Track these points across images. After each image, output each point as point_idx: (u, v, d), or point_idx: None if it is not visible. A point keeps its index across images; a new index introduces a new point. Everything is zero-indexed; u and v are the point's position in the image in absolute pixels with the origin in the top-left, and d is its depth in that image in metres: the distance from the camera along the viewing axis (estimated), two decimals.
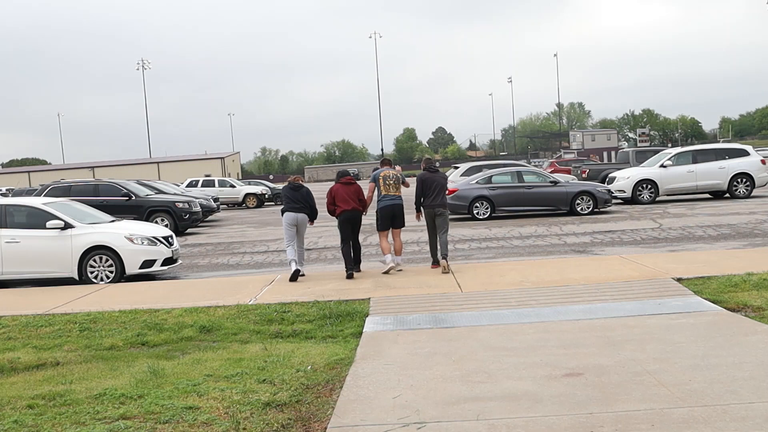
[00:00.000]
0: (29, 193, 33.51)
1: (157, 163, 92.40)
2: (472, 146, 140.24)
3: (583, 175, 29.37)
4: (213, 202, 26.91)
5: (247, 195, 36.89)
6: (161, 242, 12.27)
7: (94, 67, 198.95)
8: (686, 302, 7.89)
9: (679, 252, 12.11)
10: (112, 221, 13.11)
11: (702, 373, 5.32)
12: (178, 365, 6.53)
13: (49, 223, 11.82)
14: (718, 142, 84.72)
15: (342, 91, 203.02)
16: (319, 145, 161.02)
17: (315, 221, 11.64)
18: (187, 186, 34.53)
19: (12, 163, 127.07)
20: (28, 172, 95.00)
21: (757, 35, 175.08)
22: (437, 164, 15.49)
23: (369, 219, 13.70)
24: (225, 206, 34.83)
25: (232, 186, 37.59)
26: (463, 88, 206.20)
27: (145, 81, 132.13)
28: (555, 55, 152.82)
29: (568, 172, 34.81)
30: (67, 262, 11.80)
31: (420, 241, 15.35)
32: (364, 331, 7.50)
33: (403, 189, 11.40)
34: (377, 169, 11.58)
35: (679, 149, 24.88)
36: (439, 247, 11.12)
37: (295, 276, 10.74)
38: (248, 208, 36.31)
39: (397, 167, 12.05)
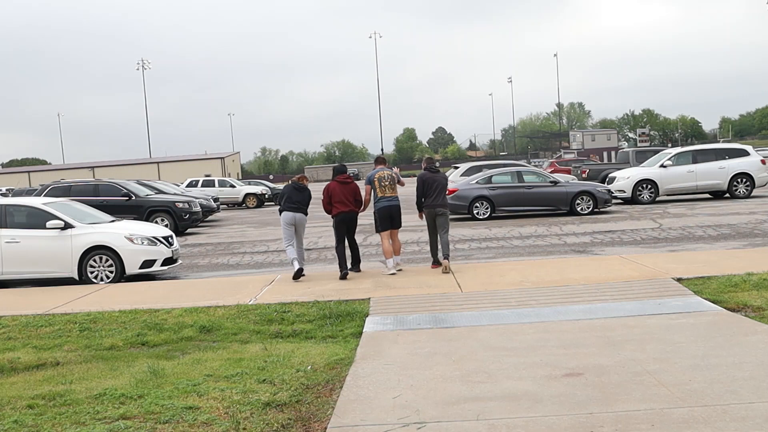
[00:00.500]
0: (29, 193, 33.50)
1: (157, 163, 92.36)
2: (472, 146, 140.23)
3: (583, 175, 29.36)
4: (213, 202, 26.92)
5: (247, 195, 36.92)
6: (161, 242, 12.28)
7: (94, 67, 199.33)
8: (686, 302, 7.89)
9: (679, 252, 12.11)
10: (112, 221, 13.12)
11: (702, 373, 5.32)
12: (178, 365, 6.53)
13: (49, 223, 11.83)
14: (718, 142, 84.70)
15: (342, 91, 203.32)
16: (319, 145, 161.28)
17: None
18: (187, 186, 34.54)
19: (12, 163, 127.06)
20: (28, 172, 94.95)
21: (757, 35, 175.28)
22: (438, 164, 15.49)
23: (368, 219, 13.68)
24: (225, 206, 34.85)
25: (232, 186, 37.62)
26: (463, 88, 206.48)
27: (145, 81, 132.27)
28: (555, 55, 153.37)
29: (568, 172, 34.80)
30: (67, 262, 11.81)
31: (420, 241, 15.35)
32: (364, 331, 7.50)
33: (399, 189, 11.42)
34: (373, 168, 11.61)
35: (679, 149, 24.87)
36: (440, 247, 11.13)
37: (298, 274, 10.76)
38: (248, 208, 36.32)
39: (395, 168, 12.06)
